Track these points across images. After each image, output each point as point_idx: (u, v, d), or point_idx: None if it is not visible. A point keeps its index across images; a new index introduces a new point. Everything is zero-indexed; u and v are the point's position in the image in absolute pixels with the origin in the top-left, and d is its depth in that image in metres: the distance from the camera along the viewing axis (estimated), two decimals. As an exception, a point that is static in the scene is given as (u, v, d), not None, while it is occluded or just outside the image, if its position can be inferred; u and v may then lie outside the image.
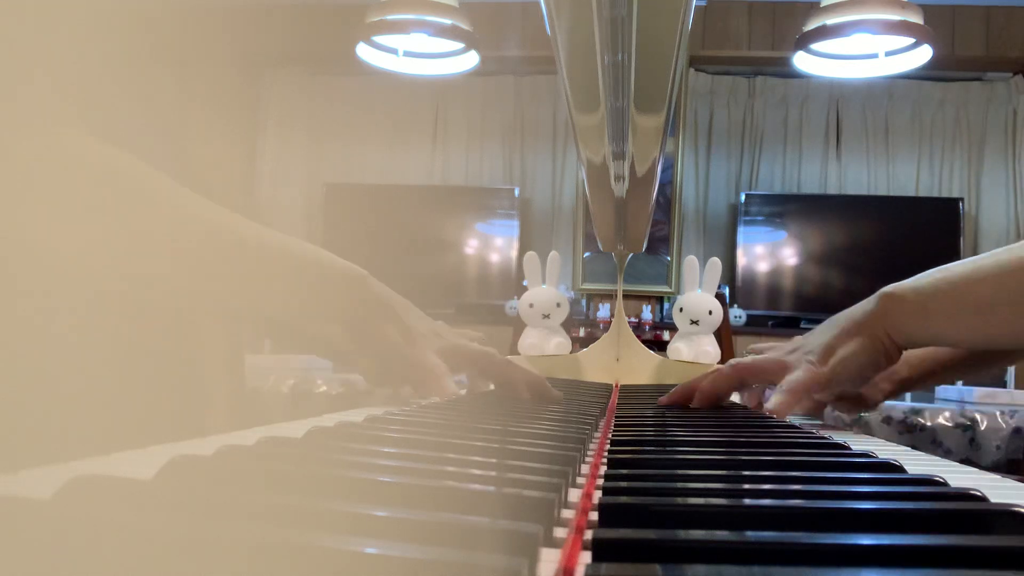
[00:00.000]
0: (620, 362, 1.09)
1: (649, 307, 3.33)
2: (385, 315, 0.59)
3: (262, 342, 2.55)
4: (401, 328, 0.59)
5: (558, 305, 1.13)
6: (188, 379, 0.62)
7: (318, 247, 0.57)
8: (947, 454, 2.49)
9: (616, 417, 0.59)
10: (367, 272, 0.60)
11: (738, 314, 3.41)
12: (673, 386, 0.89)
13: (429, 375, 0.59)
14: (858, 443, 0.48)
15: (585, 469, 0.35)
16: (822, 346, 0.63)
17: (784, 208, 3.56)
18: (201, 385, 0.65)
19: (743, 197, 3.56)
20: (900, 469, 0.36)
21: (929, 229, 3.42)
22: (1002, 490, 0.33)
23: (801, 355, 0.64)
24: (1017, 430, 2.46)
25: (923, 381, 0.81)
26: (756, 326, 3.43)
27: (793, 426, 0.58)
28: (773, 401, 0.62)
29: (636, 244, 1.02)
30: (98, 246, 0.42)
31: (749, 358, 0.70)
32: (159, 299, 0.48)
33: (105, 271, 0.43)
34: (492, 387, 0.73)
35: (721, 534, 0.22)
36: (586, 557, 0.21)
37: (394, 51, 2.44)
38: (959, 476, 0.37)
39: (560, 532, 0.23)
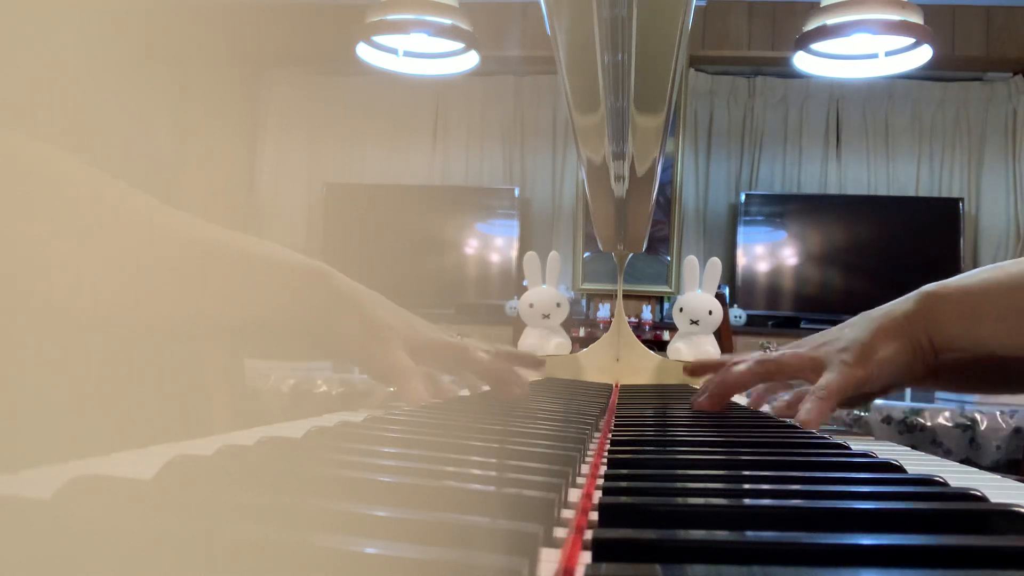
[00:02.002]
0: (620, 362, 1.09)
1: (649, 307, 3.33)
2: (348, 310, 0.56)
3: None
4: (366, 323, 0.56)
5: (558, 305, 1.13)
6: (188, 379, 0.62)
7: (276, 244, 0.55)
8: (947, 454, 2.49)
9: (616, 417, 0.59)
10: (329, 267, 0.57)
11: (738, 314, 3.41)
12: (674, 386, 0.89)
13: (398, 377, 0.56)
14: (858, 443, 0.48)
15: (585, 469, 0.35)
16: (859, 344, 0.58)
17: (784, 208, 3.56)
18: (201, 385, 0.65)
19: (743, 197, 3.56)
20: (900, 469, 0.36)
21: (929, 229, 3.42)
22: (1002, 490, 0.33)
23: (833, 351, 0.59)
24: (1017, 430, 2.46)
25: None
26: (756, 326, 3.43)
27: (793, 426, 0.58)
28: (805, 410, 0.57)
29: (636, 244, 1.02)
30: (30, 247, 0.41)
31: (776, 352, 0.64)
32: (105, 306, 0.46)
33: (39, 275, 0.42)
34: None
35: (721, 534, 0.22)
36: (586, 557, 0.21)
37: (394, 51, 2.44)
38: (959, 476, 0.37)
39: (560, 532, 0.23)
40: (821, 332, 0.64)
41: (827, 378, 0.58)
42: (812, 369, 0.60)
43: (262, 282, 0.53)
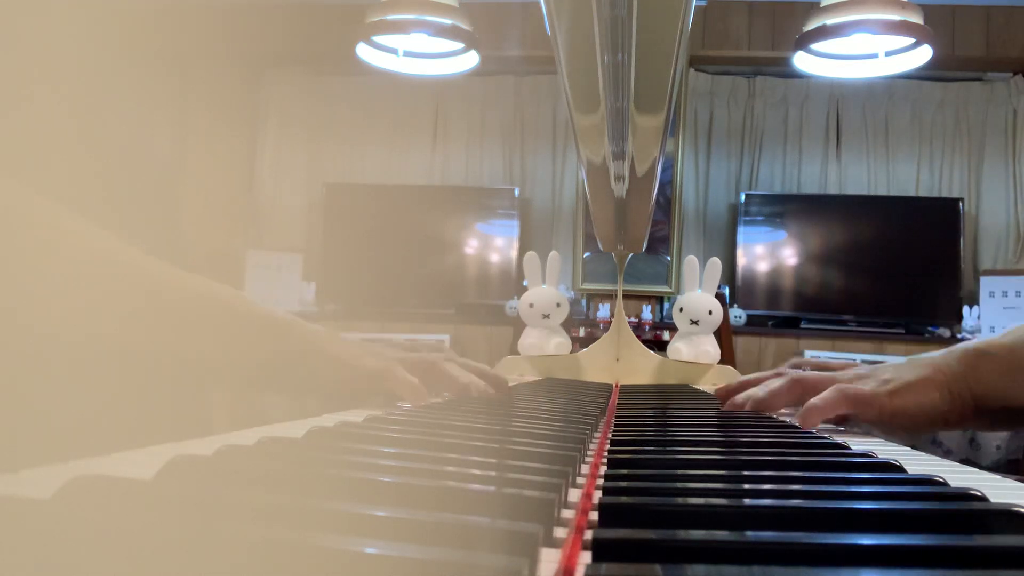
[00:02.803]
0: (620, 362, 1.09)
1: (649, 307, 3.33)
2: (313, 353, 0.57)
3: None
4: (331, 358, 0.57)
5: (558, 305, 1.13)
6: (188, 379, 0.62)
7: (238, 293, 0.55)
8: (947, 454, 2.49)
9: (616, 417, 0.59)
10: (292, 317, 0.57)
11: (738, 314, 3.41)
12: (674, 386, 0.89)
13: (378, 376, 0.56)
14: (858, 443, 0.48)
15: (585, 469, 0.35)
16: (902, 382, 0.60)
17: (784, 208, 3.56)
18: (201, 385, 0.64)
19: (743, 197, 3.56)
20: (900, 469, 0.36)
21: (929, 229, 3.42)
22: (1002, 490, 0.33)
23: (873, 380, 0.61)
24: (1017, 431, 2.46)
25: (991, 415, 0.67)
26: (756, 326, 3.43)
27: (793, 426, 0.58)
28: (822, 397, 0.57)
29: (636, 244, 1.02)
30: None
31: (812, 373, 0.65)
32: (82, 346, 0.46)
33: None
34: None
35: (721, 534, 0.22)
36: (586, 557, 0.21)
37: (394, 51, 2.44)
38: (959, 476, 0.37)
39: (560, 532, 0.23)
40: (860, 365, 0.66)
41: (859, 386, 0.60)
42: None
43: (227, 333, 0.53)
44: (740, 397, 0.67)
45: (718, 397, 0.72)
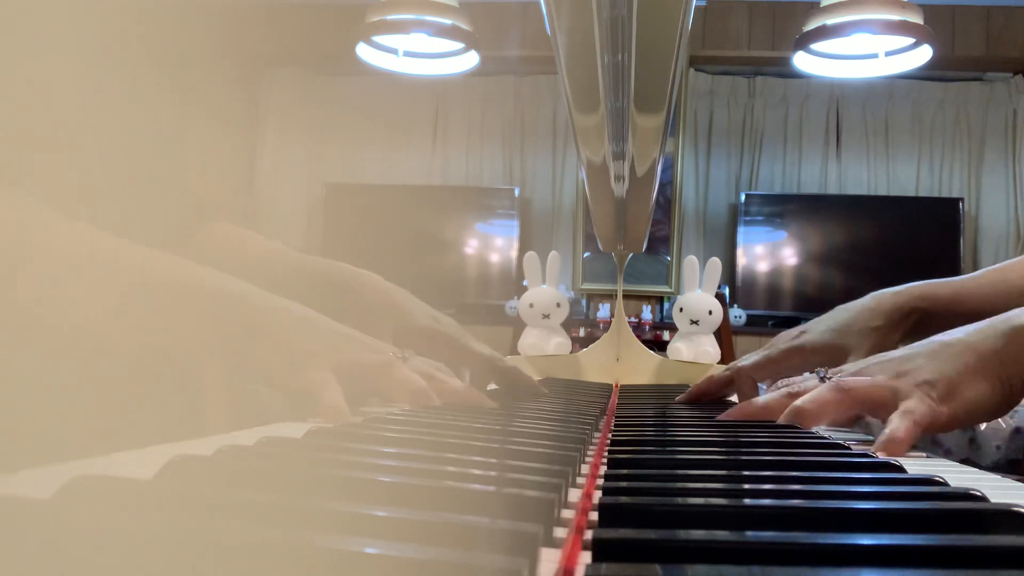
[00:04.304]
0: (620, 362, 1.09)
1: (649, 307, 3.33)
2: (261, 336, 0.49)
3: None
4: (281, 348, 0.50)
5: (558, 305, 1.13)
6: (188, 379, 0.62)
7: (181, 260, 0.48)
8: (947, 454, 2.49)
9: (616, 417, 0.59)
10: (247, 287, 0.50)
11: (738, 314, 3.41)
12: (674, 386, 0.89)
13: (312, 399, 0.48)
14: (857, 442, 0.48)
15: (585, 469, 0.35)
16: (945, 379, 0.50)
17: (784, 208, 3.56)
18: (201, 385, 0.64)
19: (743, 197, 3.56)
20: (900, 469, 0.36)
21: (929, 229, 3.42)
22: (1002, 490, 0.33)
23: (915, 383, 0.51)
24: (1017, 430, 2.46)
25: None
26: (756, 326, 3.43)
27: (793, 426, 0.58)
28: (895, 427, 0.47)
29: (636, 244, 1.02)
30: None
31: (854, 380, 0.53)
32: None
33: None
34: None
35: (721, 534, 0.22)
36: (586, 557, 0.21)
37: (394, 51, 2.44)
38: (959, 476, 0.37)
39: (560, 532, 0.23)
40: (884, 356, 0.56)
41: (913, 404, 0.49)
42: (893, 403, 0.51)
43: (162, 307, 0.48)
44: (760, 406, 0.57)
45: (693, 399, 0.71)
